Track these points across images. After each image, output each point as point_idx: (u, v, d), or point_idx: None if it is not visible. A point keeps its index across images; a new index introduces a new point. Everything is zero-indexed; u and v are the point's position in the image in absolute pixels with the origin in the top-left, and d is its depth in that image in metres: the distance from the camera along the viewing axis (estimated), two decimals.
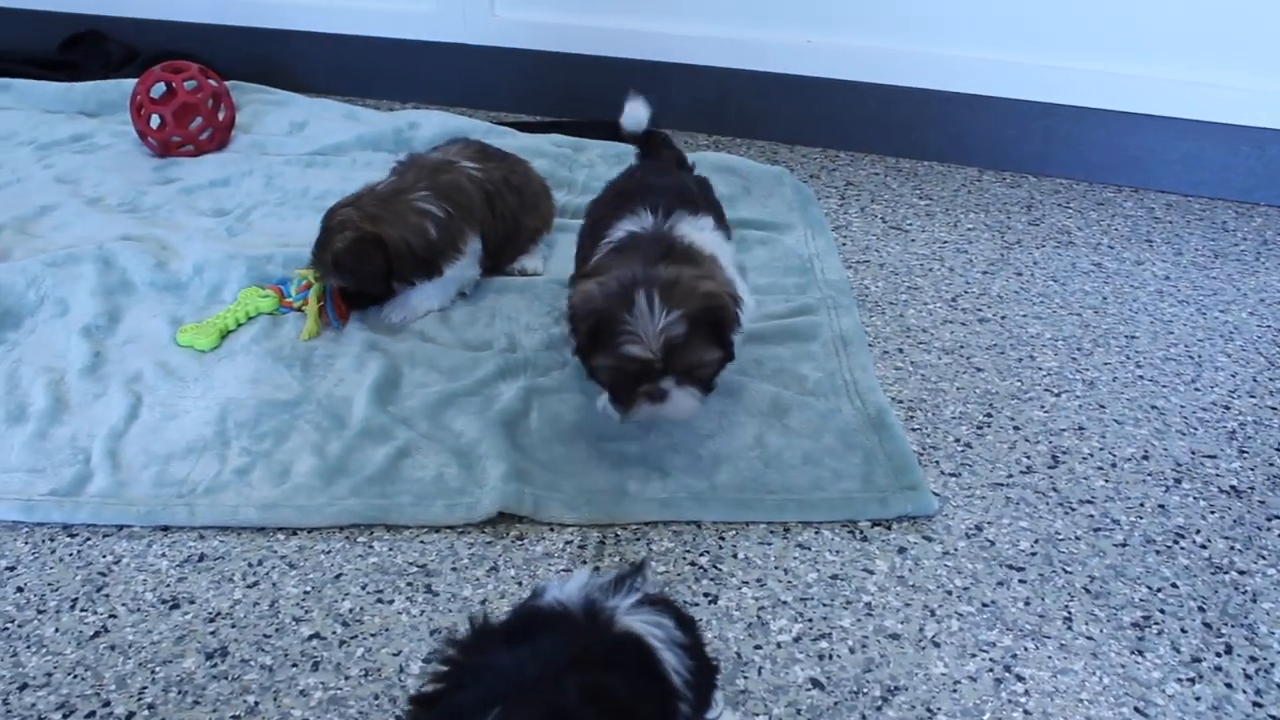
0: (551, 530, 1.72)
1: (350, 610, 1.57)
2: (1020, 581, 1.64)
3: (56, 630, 1.53)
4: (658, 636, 1.11)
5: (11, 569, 1.64)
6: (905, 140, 3.08)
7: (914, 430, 1.95)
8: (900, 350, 2.18)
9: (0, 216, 2.53)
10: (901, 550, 1.70)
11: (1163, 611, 1.59)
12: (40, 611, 1.56)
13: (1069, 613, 1.59)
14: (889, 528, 1.74)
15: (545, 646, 1.07)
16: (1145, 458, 1.91)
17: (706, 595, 1.60)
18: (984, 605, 1.60)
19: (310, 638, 1.52)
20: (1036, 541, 1.72)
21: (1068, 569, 1.67)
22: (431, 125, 3.00)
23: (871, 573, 1.65)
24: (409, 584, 1.61)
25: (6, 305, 2.18)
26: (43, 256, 2.32)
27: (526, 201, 2.34)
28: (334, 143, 2.97)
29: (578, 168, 2.84)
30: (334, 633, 1.53)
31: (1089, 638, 1.54)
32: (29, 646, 1.51)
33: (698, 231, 1.88)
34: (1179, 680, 1.48)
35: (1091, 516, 1.77)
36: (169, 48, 3.34)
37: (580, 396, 1.97)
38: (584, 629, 1.09)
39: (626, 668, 1.08)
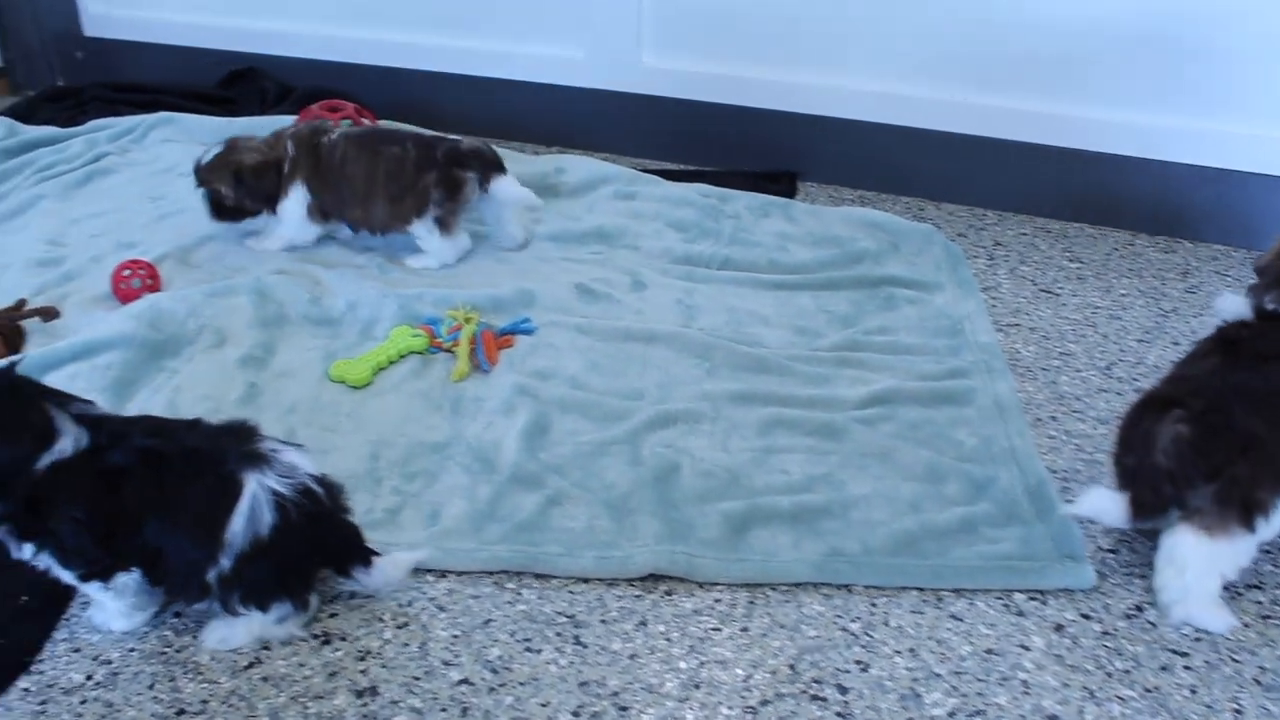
0: (701, 588, 1.70)
1: (499, 657, 1.56)
2: (1185, 668, 1.58)
3: (212, 659, 1.56)
4: None
5: None
6: (1055, 200, 3.01)
7: (1070, 502, 1.89)
8: (1054, 418, 2.13)
9: (163, 246, 2.60)
10: (1059, 627, 1.65)
11: None
12: (196, 639, 1.59)
13: (1239, 705, 1.52)
14: (1044, 602, 1.69)
15: None
16: None
17: (858, 663, 1.57)
18: (1147, 690, 1.54)
19: (459, 683, 1.52)
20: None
21: (1235, 658, 1.60)
22: (578, 171, 3.02)
23: (1028, 649, 1.61)
24: (558, 634, 1.61)
25: (169, 333, 2.23)
26: (203, 287, 2.38)
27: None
28: None
29: (723, 218, 2.82)
30: (483, 679, 1.53)
31: None
32: (186, 673, 1.53)
33: None
34: None
35: (1260, 603, 1.70)
36: (322, 86, 3.43)
37: (727, 456, 1.95)
38: None
39: None
